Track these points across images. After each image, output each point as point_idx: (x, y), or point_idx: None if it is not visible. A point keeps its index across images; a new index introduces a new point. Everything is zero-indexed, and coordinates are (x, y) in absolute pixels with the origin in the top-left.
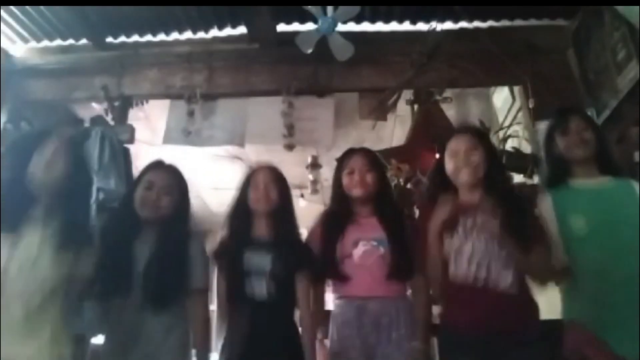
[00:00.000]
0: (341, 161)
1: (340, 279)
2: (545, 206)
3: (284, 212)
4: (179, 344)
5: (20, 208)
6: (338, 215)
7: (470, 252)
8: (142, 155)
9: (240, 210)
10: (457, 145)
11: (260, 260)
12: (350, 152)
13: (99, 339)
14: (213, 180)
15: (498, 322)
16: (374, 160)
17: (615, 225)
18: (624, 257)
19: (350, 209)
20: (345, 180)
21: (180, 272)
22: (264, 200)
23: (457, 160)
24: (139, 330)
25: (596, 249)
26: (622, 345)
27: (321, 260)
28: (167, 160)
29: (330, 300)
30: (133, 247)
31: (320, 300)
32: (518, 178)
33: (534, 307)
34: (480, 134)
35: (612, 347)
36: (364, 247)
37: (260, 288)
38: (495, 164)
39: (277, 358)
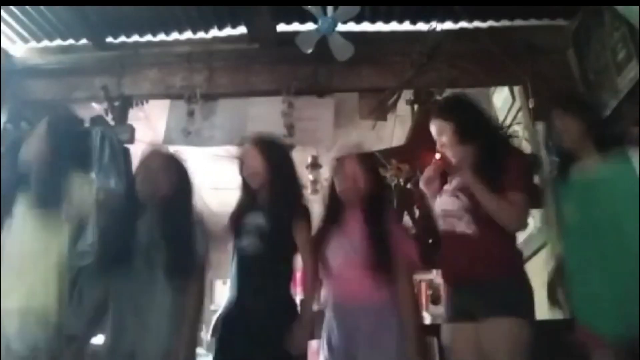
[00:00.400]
0: (334, 165)
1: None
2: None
3: (277, 179)
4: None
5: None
6: (328, 220)
7: (444, 206)
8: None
9: (243, 188)
10: (432, 130)
11: (253, 219)
12: (342, 156)
13: (98, 339)
14: (213, 180)
15: (467, 267)
16: (365, 162)
17: (605, 217)
18: (612, 250)
19: (342, 213)
20: (337, 184)
21: (186, 246)
22: (252, 178)
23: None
24: (141, 306)
25: (583, 240)
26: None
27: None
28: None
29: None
30: (136, 225)
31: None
32: None
33: (498, 251)
34: (448, 109)
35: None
36: (345, 255)
37: (249, 243)
38: (472, 124)
39: (265, 313)
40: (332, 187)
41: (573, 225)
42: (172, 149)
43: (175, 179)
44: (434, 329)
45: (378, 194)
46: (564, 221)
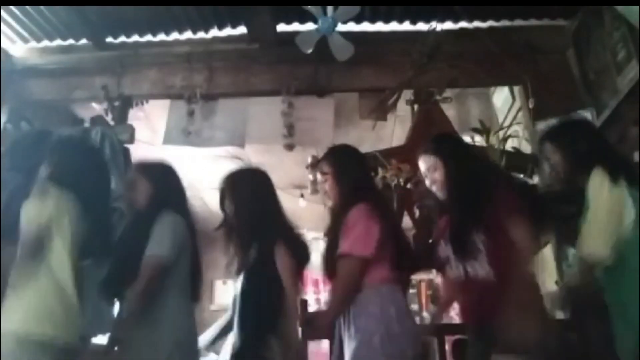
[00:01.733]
0: None
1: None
2: None
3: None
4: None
5: None
6: None
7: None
8: (142, 155)
9: None
10: (421, 166)
11: None
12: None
13: (98, 339)
14: (213, 180)
15: (480, 311)
16: (326, 165)
17: None
18: None
19: None
20: None
21: (139, 248)
22: None
23: (427, 180)
24: None
25: None
26: None
27: None
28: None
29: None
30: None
31: None
32: None
33: (515, 295)
34: (439, 149)
35: None
36: None
37: None
38: (461, 175)
39: None
40: None
41: None
42: (171, 152)
43: (145, 187)
44: (434, 329)
45: (346, 192)
46: None
